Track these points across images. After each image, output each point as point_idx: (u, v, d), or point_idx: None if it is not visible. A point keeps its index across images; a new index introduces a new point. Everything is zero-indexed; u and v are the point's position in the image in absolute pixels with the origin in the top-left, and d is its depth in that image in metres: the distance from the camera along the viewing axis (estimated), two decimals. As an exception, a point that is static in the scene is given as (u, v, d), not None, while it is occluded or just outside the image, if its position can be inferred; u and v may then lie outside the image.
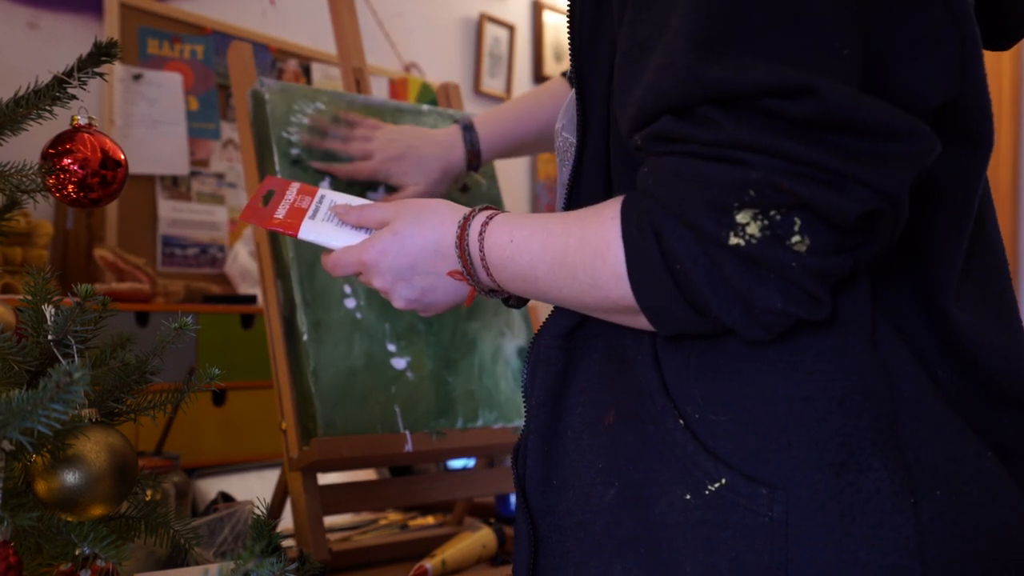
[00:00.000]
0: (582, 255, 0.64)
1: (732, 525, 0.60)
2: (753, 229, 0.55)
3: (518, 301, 0.79)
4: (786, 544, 0.59)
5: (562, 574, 0.70)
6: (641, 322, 0.64)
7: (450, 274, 0.74)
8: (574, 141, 0.75)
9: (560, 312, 0.73)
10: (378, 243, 0.77)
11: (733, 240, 0.56)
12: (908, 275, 0.64)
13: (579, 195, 0.73)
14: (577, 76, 0.73)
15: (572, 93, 0.76)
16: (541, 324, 0.75)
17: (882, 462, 0.59)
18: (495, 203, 1.34)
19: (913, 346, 0.63)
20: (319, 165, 1.21)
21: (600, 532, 0.66)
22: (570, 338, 0.72)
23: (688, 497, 0.62)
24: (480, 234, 0.71)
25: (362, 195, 1.20)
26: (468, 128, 1.22)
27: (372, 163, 1.20)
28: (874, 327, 0.62)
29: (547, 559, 0.71)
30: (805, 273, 0.56)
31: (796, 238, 0.55)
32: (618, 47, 0.64)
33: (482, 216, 0.72)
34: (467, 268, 0.73)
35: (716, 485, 0.61)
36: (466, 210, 0.74)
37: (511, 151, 1.26)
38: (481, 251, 0.71)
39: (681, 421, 0.63)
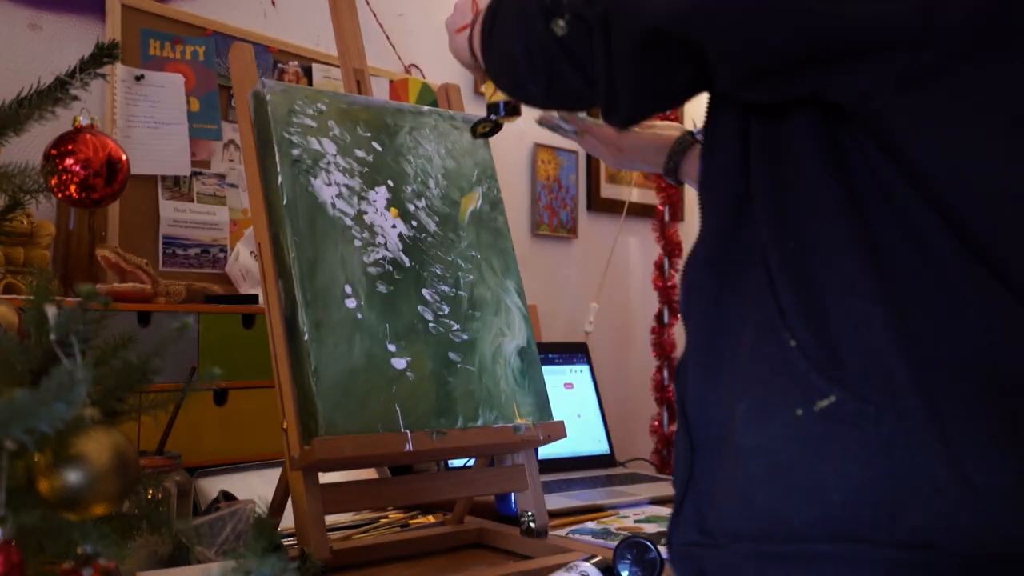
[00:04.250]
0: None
1: (838, 438, 0.65)
2: (562, 23, 0.77)
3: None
4: (889, 459, 0.63)
5: (710, 478, 0.76)
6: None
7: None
8: None
9: (702, 237, 0.81)
10: None
11: (557, 31, 0.77)
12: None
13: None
14: None
15: None
16: (690, 250, 0.83)
17: (985, 396, 0.65)
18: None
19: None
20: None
21: (734, 442, 0.72)
22: (720, 262, 0.78)
23: (799, 413, 0.67)
24: None
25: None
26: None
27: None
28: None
29: (702, 463, 0.78)
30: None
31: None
32: None
33: None
34: None
35: (825, 402, 0.66)
36: None
37: None
38: None
39: (793, 341, 0.69)
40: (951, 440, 0.63)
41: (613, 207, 3.01)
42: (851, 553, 0.64)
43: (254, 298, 1.72)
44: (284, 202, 1.18)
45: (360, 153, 1.28)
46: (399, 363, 1.20)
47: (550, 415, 1.31)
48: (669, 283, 2.85)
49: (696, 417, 0.79)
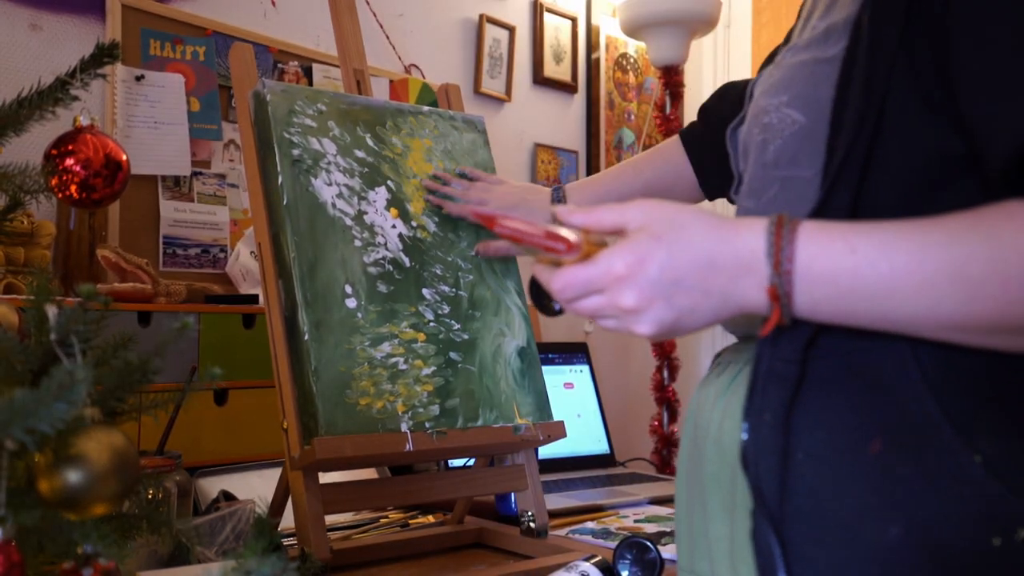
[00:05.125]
0: (1003, 266, 0.55)
1: None
2: None
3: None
4: None
5: None
6: None
7: (769, 291, 0.61)
8: (801, 119, 0.70)
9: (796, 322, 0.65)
10: (636, 249, 0.63)
11: None
12: None
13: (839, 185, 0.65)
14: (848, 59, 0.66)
15: (791, 69, 0.72)
16: (766, 334, 0.66)
17: None
18: None
19: None
20: (435, 200, 1.31)
21: (880, 572, 0.60)
22: (807, 350, 0.65)
23: (997, 543, 0.57)
24: (791, 243, 0.61)
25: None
26: (557, 190, 1.28)
27: (487, 208, 1.24)
28: None
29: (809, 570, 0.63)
30: None
31: None
32: (962, 43, 0.59)
33: (791, 225, 0.62)
34: (783, 286, 0.61)
35: None
36: (755, 219, 0.64)
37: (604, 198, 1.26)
38: (791, 263, 0.60)
39: (978, 457, 0.58)
40: None
41: (613, 207, 3.01)
42: None
43: (254, 298, 1.72)
44: (284, 202, 1.18)
45: (360, 153, 1.28)
46: (399, 363, 1.20)
47: (550, 415, 1.31)
48: (669, 283, 2.84)
49: (798, 522, 0.64)
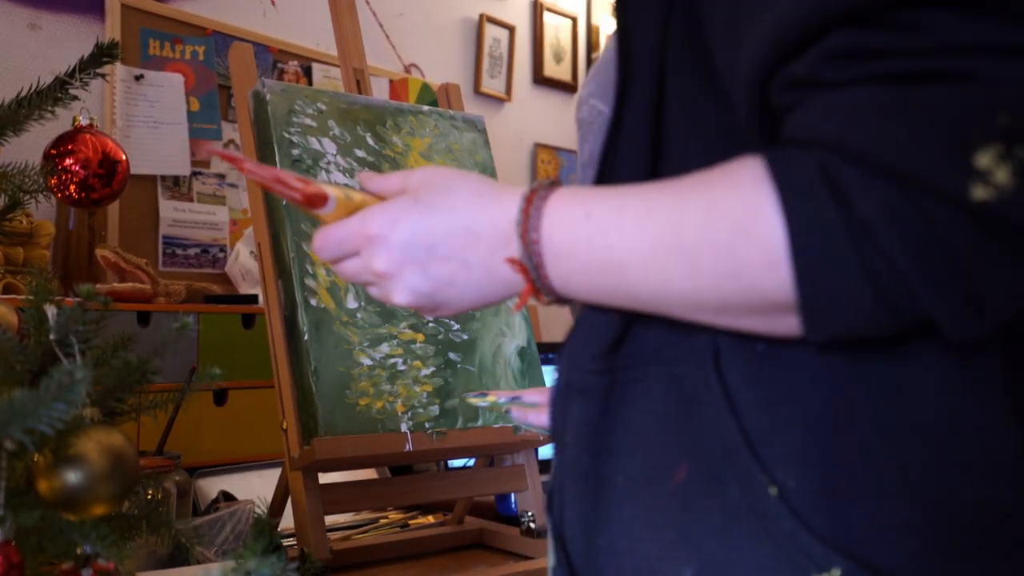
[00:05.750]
0: (711, 233, 0.45)
1: None
2: (1003, 176, 0.38)
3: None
4: None
5: None
6: (783, 325, 0.46)
7: (508, 261, 0.54)
8: (605, 110, 0.61)
9: (594, 325, 0.57)
10: (389, 209, 0.58)
11: (980, 194, 0.38)
12: None
13: (613, 174, 0.57)
14: (619, 29, 0.57)
15: (603, 53, 0.63)
16: (565, 342, 0.60)
17: None
18: None
19: None
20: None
21: None
22: (611, 358, 0.56)
23: None
24: (539, 211, 0.52)
25: None
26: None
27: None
28: (1008, 383, 0.47)
29: None
30: None
31: None
32: None
33: (545, 191, 0.53)
34: (532, 258, 0.53)
35: None
36: (516, 188, 0.56)
37: None
38: (537, 232, 0.52)
39: (773, 489, 0.48)
40: None
41: (613, 207, 3.01)
42: None
43: (254, 298, 1.71)
44: (284, 202, 1.18)
45: (360, 153, 1.28)
46: (398, 363, 1.20)
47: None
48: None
49: (582, 568, 0.57)
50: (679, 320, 0.51)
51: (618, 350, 0.56)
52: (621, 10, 0.57)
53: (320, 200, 0.61)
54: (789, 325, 0.46)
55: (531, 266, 0.53)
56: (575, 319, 0.61)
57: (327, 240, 0.61)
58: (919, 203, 0.40)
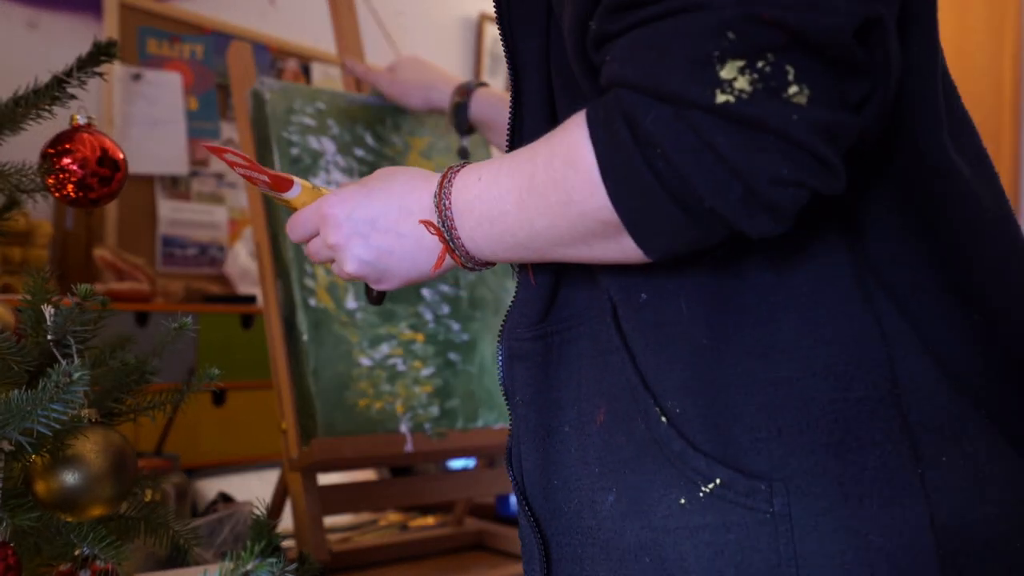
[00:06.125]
0: (551, 171, 0.55)
1: (733, 526, 0.55)
2: (742, 83, 0.47)
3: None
4: (792, 538, 0.54)
5: None
6: (629, 248, 0.55)
7: (421, 222, 0.64)
8: None
9: (525, 300, 0.68)
10: (341, 192, 0.70)
11: (721, 98, 0.47)
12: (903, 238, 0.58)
13: (522, 138, 0.67)
14: (504, 38, 0.68)
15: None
16: (505, 318, 0.70)
17: (883, 433, 0.55)
18: None
19: (900, 304, 0.57)
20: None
21: (604, 540, 0.61)
22: (542, 326, 0.66)
23: (683, 502, 0.57)
24: (451, 181, 0.63)
25: None
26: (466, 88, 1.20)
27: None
28: (858, 282, 0.56)
29: (560, 564, 0.66)
30: (811, 130, 0.48)
31: (793, 88, 0.47)
32: None
33: (458, 167, 0.64)
34: (445, 222, 0.62)
35: (711, 485, 0.56)
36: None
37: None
38: (448, 198, 0.62)
39: (664, 418, 0.57)
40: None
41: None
42: None
43: (252, 298, 1.71)
44: (283, 201, 1.17)
45: (359, 152, 1.28)
46: (398, 364, 1.19)
47: (550, 416, 1.30)
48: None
49: (542, 508, 0.67)
50: (578, 274, 0.63)
51: (547, 316, 0.66)
52: (505, 22, 0.67)
53: (286, 184, 0.74)
54: (631, 248, 0.54)
55: (445, 229, 0.62)
56: (512, 302, 0.71)
57: (294, 222, 0.73)
58: (684, 115, 0.48)
